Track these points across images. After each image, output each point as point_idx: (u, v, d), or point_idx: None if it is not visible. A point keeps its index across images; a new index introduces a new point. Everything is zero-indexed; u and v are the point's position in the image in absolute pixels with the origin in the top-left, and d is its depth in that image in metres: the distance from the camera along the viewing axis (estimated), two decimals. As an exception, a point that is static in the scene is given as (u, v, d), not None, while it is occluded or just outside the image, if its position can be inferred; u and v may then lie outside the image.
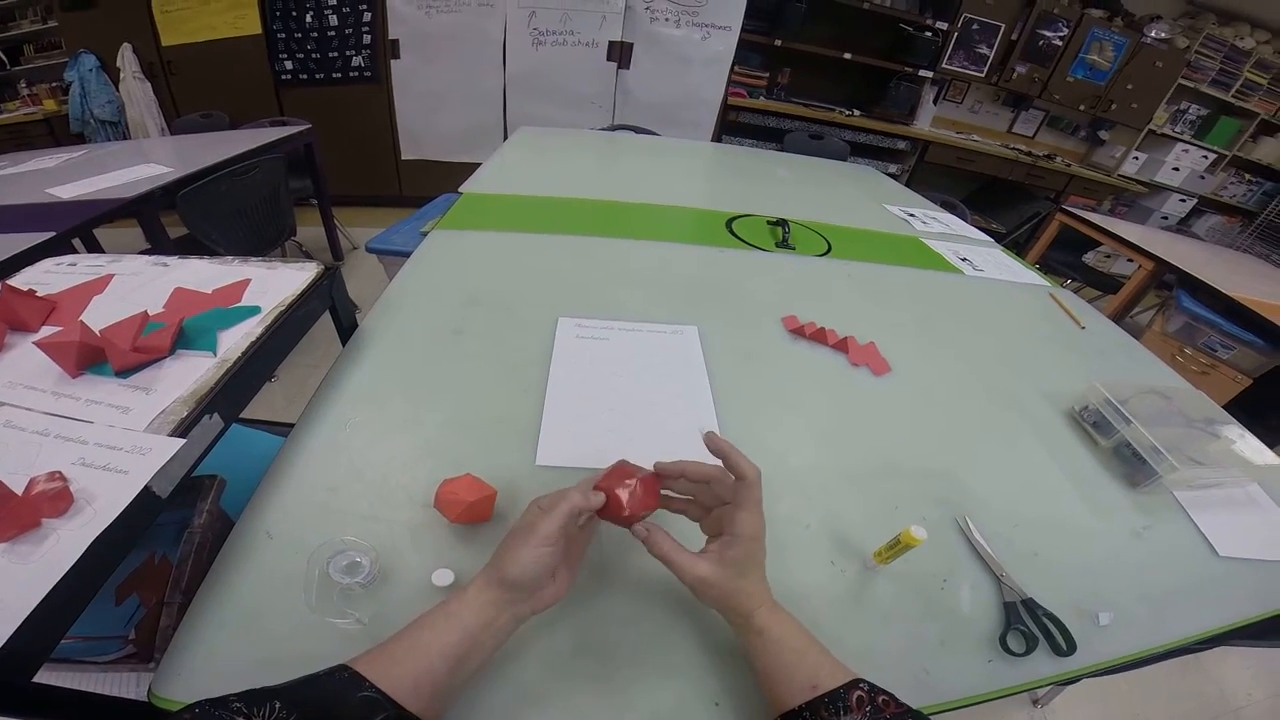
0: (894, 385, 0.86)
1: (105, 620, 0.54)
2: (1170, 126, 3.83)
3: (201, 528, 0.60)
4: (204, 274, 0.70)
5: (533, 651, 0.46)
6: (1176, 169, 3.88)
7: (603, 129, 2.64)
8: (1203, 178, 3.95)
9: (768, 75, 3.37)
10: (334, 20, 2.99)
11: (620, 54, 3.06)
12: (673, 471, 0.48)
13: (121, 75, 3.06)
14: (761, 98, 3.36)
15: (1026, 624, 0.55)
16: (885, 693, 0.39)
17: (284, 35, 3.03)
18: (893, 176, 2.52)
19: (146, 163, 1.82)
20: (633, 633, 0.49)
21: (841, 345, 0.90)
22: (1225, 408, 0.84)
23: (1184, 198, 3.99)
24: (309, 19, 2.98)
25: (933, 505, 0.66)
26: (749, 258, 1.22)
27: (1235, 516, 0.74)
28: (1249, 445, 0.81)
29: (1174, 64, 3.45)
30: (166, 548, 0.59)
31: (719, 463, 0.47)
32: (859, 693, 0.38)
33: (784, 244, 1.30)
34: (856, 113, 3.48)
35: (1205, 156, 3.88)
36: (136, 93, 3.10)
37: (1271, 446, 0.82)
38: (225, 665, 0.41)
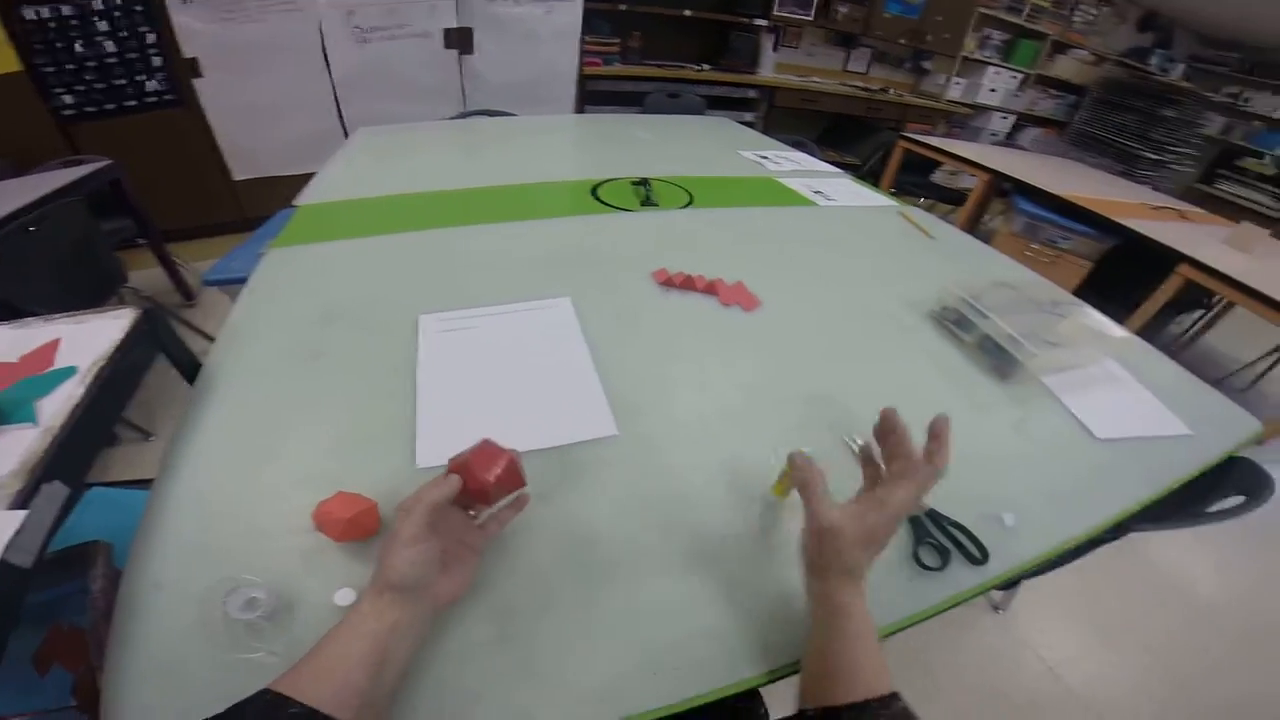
0: (766, 319, 0.88)
1: (45, 693, 0.59)
2: (980, 52, 4.26)
3: (102, 592, 0.62)
4: (4, 342, 0.64)
5: (451, 651, 0.45)
6: (993, 90, 4.34)
7: (453, 117, 2.52)
8: (1016, 95, 4.45)
9: (619, 40, 3.34)
10: (111, 46, 2.60)
11: (459, 40, 2.91)
12: (893, 425, 0.47)
13: None
14: (617, 64, 3.33)
15: (935, 537, 0.55)
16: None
17: (53, 69, 2.58)
18: (749, 125, 2.59)
19: (-76, 227, 1.51)
20: (552, 614, 0.48)
21: (710, 288, 0.91)
22: (1079, 290, 0.93)
23: (1005, 115, 4.49)
24: (79, 48, 2.56)
25: (823, 429, 0.67)
26: (615, 220, 1.20)
27: (1102, 396, 0.78)
28: (1095, 320, 0.85)
29: (971, -6, 3.81)
30: (73, 616, 0.62)
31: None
32: (901, 704, 0.37)
33: (648, 202, 1.29)
34: (706, 67, 3.55)
35: (1014, 77, 4.37)
36: (-116, 152, 2.57)
37: (1121, 321, 0.89)
38: (159, 716, 0.41)
